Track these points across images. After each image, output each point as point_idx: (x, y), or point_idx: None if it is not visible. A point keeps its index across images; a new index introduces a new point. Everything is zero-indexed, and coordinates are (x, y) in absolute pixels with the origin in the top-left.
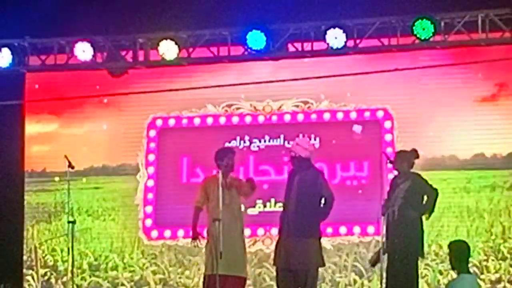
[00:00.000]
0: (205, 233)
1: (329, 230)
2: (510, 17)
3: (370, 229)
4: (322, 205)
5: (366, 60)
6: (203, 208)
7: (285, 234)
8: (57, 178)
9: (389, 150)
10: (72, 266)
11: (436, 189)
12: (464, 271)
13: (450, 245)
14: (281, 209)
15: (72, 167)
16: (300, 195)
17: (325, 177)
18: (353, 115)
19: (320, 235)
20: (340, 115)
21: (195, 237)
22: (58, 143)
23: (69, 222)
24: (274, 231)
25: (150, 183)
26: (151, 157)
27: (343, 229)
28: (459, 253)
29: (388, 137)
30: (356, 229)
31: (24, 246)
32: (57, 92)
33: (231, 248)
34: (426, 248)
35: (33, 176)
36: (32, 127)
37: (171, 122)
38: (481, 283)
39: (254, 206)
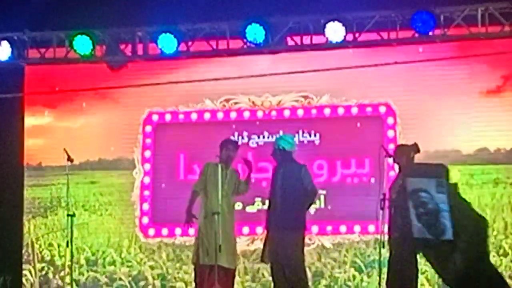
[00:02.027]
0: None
1: (329, 228)
2: (510, 11)
3: (371, 227)
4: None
5: (369, 54)
6: (200, 193)
7: (271, 229)
8: (53, 172)
9: (391, 146)
10: (72, 258)
11: None
12: None
13: None
14: None
15: (71, 161)
16: (285, 189)
17: (308, 170)
18: (355, 111)
19: (305, 227)
20: (341, 111)
21: (188, 219)
22: (54, 137)
23: (68, 215)
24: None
25: (147, 180)
26: (147, 153)
27: (343, 228)
28: None
29: (390, 133)
30: (357, 228)
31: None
32: (53, 84)
33: (226, 241)
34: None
35: (29, 170)
36: (26, 120)
37: (168, 117)
38: None
39: (252, 204)
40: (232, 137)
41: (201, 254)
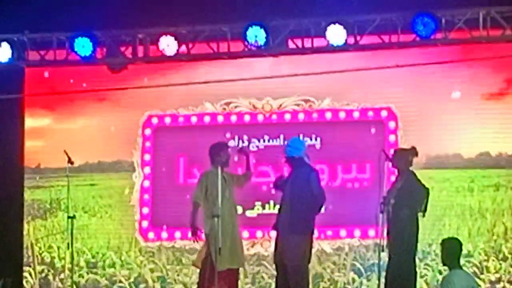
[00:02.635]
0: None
1: (329, 233)
2: (511, 15)
3: (371, 232)
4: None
5: (370, 57)
6: (201, 204)
7: (280, 231)
8: (52, 174)
9: (392, 151)
10: (72, 260)
11: (427, 188)
12: (456, 267)
13: (442, 242)
14: None
15: (72, 163)
16: (292, 192)
17: (318, 176)
18: (356, 115)
19: (312, 231)
20: (342, 115)
21: (194, 233)
22: (52, 139)
23: (69, 217)
24: (273, 233)
25: (146, 183)
26: (147, 157)
27: (343, 232)
28: (451, 250)
29: (392, 138)
30: (357, 232)
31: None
32: (52, 86)
33: (231, 242)
34: (426, 248)
35: (28, 172)
36: (26, 122)
37: (167, 120)
38: (481, 283)
39: (252, 208)
40: (232, 142)
41: (209, 258)
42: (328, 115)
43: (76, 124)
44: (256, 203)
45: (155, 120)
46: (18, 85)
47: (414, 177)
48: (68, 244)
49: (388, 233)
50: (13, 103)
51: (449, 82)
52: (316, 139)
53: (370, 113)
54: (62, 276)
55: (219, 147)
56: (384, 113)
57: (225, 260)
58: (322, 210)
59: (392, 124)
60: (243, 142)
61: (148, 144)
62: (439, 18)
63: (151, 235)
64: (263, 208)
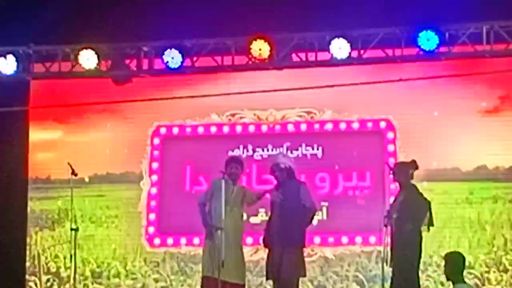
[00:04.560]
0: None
1: (331, 239)
2: None
3: (372, 239)
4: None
5: (371, 71)
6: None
7: (272, 246)
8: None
9: (391, 160)
10: (74, 273)
11: (428, 201)
12: (460, 281)
13: (445, 256)
14: None
15: (75, 175)
16: (283, 205)
17: (307, 187)
18: (356, 126)
19: (304, 244)
20: (342, 126)
21: (212, 231)
22: (63, 151)
23: (71, 229)
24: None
25: (154, 190)
26: (155, 165)
27: (344, 239)
28: (454, 265)
29: (390, 147)
30: (358, 239)
31: (27, 252)
32: (61, 99)
33: (232, 255)
34: (427, 259)
35: (38, 183)
36: (37, 134)
37: (175, 130)
38: None
39: (256, 215)
40: (237, 152)
41: (206, 267)
42: (329, 126)
43: (86, 136)
44: (260, 210)
45: (163, 130)
46: (23, 97)
47: (415, 191)
48: (71, 256)
49: (391, 247)
50: (18, 116)
51: (446, 96)
52: (318, 149)
53: (369, 124)
54: (67, 286)
55: (226, 161)
56: (382, 124)
57: (226, 272)
58: (314, 222)
59: (390, 135)
60: (247, 151)
61: (156, 152)
62: (443, 33)
63: (157, 241)
64: (267, 214)
